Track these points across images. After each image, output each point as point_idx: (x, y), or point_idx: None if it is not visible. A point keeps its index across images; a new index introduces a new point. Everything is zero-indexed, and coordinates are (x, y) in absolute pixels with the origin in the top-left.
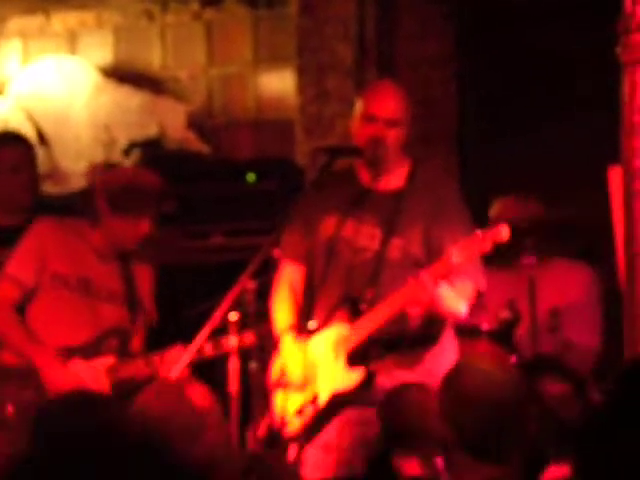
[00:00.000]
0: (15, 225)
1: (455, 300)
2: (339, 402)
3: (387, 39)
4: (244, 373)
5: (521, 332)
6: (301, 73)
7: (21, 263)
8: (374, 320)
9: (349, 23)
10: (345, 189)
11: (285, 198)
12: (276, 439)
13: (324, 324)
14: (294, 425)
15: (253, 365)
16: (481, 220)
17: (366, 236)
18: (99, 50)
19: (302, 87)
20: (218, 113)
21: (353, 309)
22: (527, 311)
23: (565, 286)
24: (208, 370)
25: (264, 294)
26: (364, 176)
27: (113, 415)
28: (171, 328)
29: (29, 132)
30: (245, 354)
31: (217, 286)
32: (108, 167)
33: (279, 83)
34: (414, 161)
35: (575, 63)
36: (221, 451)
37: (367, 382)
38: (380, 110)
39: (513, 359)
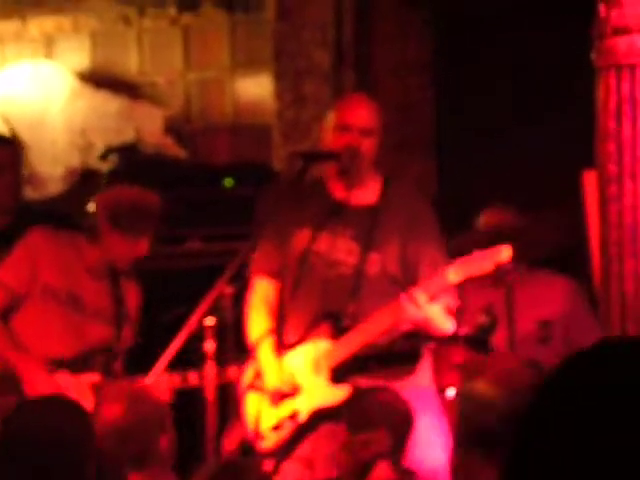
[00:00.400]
0: None
1: (444, 318)
2: (320, 418)
3: (364, 44)
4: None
5: (499, 338)
6: (278, 78)
7: (11, 269)
8: (361, 336)
9: (326, 28)
10: (316, 202)
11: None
12: (249, 450)
13: (301, 339)
14: (271, 440)
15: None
16: (458, 227)
17: (342, 250)
18: (76, 55)
19: (279, 92)
20: (195, 118)
21: (335, 325)
22: (505, 317)
23: (551, 296)
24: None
25: (241, 299)
26: (336, 188)
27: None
28: (147, 334)
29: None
30: (222, 361)
31: (194, 291)
32: (86, 173)
33: (256, 88)
34: (386, 176)
35: (552, 69)
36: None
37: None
38: (355, 119)
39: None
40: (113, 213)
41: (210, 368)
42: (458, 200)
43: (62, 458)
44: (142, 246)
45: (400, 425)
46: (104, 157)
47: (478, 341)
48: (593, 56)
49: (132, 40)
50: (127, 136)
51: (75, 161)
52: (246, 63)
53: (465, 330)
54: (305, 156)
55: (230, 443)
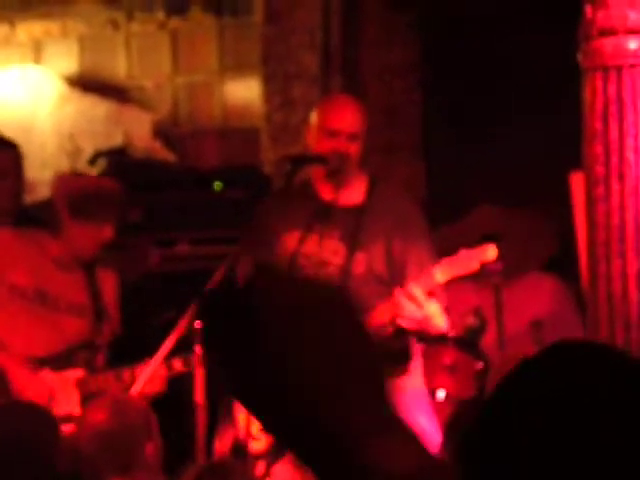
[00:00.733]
0: None
1: (441, 316)
2: None
3: (352, 48)
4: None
5: (488, 339)
6: (267, 81)
7: None
8: None
9: (314, 32)
10: (304, 204)
11: (252, 206)
12: (241, 451)
13: None
14: (262, 442)
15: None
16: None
17: (329, 250)
18: (64, 59)
19: (268, 95)
20: (184, 122)
21: None
22: (494, 319)
23: (541, 297)
24: (174, 379)
25: None
26: (324, 190)
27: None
28: (136, 337)
29: None
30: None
31: (183, 294)
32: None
33: (245, 91)
34: (372, 176)
35: (539, 70)
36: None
37: None
38: (342, 125)
39: (480, 366)
40: (71, 202)
41: (199, 371)
42: (447, 202)
43: (24, 462)
44: (106, 232)
45: None
46: (93, 161)
47: (467, 343)
48: (579, 57)
49: (120, 44)
50: (116, 140)
51: (64, 165)
52: (234, 67)
53: (454, 332)
54: (293, 160)
55: (222, 445)
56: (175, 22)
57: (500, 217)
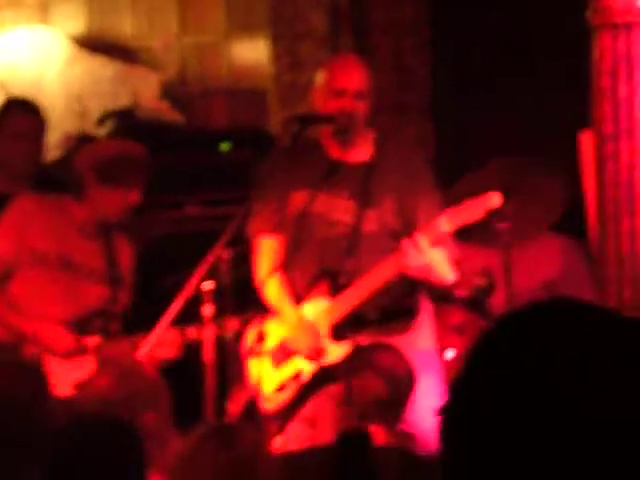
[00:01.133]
0: (15, 193)
1: (445, 267)
2: (324, 377)
3: (361, 6)
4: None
5: (497, 300)
6: (275, 42)
7: (1, 238)
8: (362, 291)
9: None
10: (313, 162)
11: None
12: (254, 412)
13: (300, 299)
14: (275, 402)
15: (229, 334)
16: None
17: (340, 209)
18: (72, 20)
19: (276, 56)
20: (192, 82)
21: (333, 283)
22: (502, 279)
23: (553, 257)
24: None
25: (238, 263)
26: (332, 148)
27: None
28: (149, 303)
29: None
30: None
31: (192, 256)
32: (83, 138)
33: (253, 52)
34: (380, 132)
35: (550, 28)
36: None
37: (353, 355)
38: (349, 84)
39: (488, 326)
40: (100, 168)
41: (208, 332)
42: (455, 163)
43: (12, 419)
44: (133, 196)
45: (400, 383)
46: (101, 122)
47: (476, 303)
48: (588, 15)
49: (128, 5)
50: (123, 101)
51: (72, 127)
52: (242, 27)
53: (463, 292)
54: (301, 119)
55: (235, 406)
56: None
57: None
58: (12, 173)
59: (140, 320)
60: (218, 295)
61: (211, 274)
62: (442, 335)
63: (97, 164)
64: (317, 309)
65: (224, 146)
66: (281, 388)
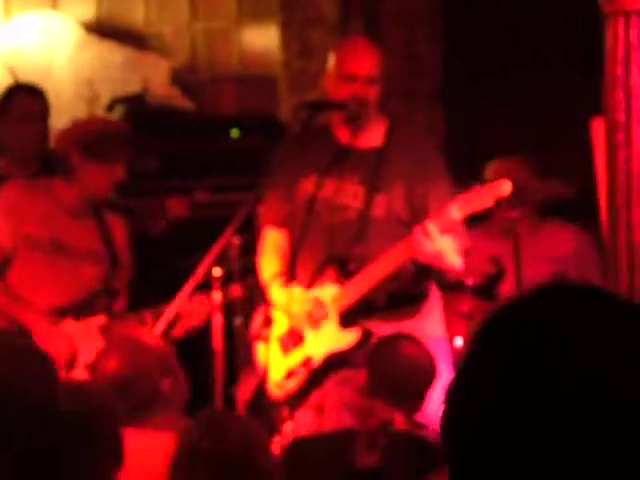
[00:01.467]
0: (21, 177)
1: (454, 254)
2: (334, 363)
3: None
4: (229, 329)
5: (507, 288)
6: (285, 28)
7: None
8: (371, 277)
9: None
10: (323, 148)
11: (269, 154)
12: (263, 399)
13: (309, 286)
14: (284, 388)
15: (238, 320)
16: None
17: (348, 194)
18: (82, 5)
19: (286, 43)
20: (202, 69)
21: (341, 268)
22: (512, 267)
23: (563, 246)
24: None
25: (248, 250)
26: (342, 134)
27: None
28: (157, 281)
29: None
30: (230, 309)
31: (201, 242)
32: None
33: (263, 38)
34: (392, 118)
35: (563, 17)
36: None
37: (363, 341)
38: (360, 69)
39: None
40: (85, 144)
41: (217, 318)
42: (465, 150)
43: (18, 401)
44: (118, 172)
45: (423, 378)
46: (110, 108)
47: (485, 291)
48: (600, 2)
49: None
50: (133, 87)
51: (81, 112)
52: (253, 13)
53: (472, 279)
54: (312, 106)
55: (244, 392)
56: None
57: (520, 167)
58: (18, 156)
59: (149, 299)
60: (229, 280)
61: (220, 261)
62: (451, 323)
63: (81, 140)
64: (324, 296)
65: (234, 132)
66: (290, 375)
